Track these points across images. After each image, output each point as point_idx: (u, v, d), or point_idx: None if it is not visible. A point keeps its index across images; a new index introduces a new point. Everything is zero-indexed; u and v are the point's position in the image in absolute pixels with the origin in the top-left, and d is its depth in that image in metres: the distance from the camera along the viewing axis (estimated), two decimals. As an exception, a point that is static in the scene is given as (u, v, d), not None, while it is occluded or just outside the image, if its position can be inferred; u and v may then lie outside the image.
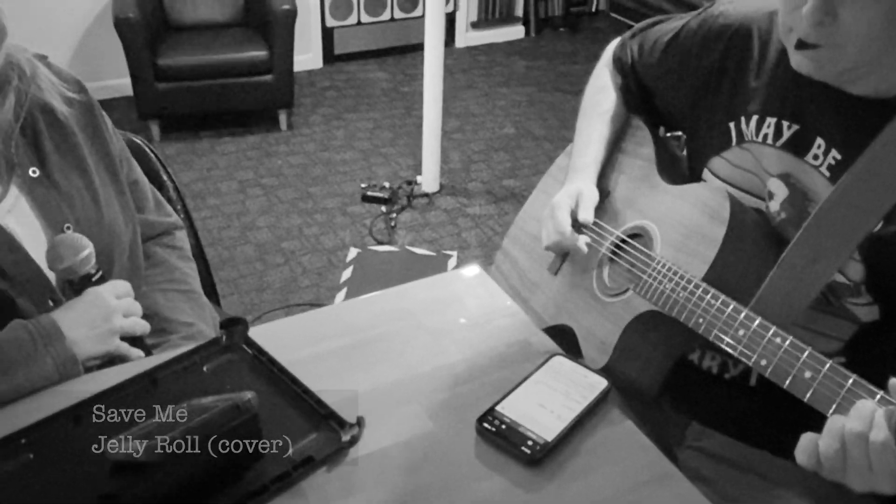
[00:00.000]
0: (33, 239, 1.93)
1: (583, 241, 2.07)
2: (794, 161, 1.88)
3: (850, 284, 1.83)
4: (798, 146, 1.88)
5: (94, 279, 1.93)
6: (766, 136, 1.93)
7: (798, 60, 1.71)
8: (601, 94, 2.34)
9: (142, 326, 1.98)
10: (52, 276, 1.94)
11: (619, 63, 2.33)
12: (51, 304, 1.92)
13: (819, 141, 1.84)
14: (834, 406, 1.50)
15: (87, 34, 7.34)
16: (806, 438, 1.47)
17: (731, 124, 2.01)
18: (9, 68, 1.90)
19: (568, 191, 2.15)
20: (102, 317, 1.88)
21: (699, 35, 2.10)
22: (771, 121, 1.92)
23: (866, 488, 1.44)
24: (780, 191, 1.91)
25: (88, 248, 1.91)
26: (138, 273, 2.16)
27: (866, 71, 1.70)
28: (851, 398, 1.48)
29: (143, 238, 2.28)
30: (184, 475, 1.51)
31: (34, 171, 1.96)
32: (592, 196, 2.11)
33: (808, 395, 1.58)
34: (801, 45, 1.66)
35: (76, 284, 1.91)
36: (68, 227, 1.96)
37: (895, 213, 1.71)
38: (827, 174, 1.82)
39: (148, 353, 1.99)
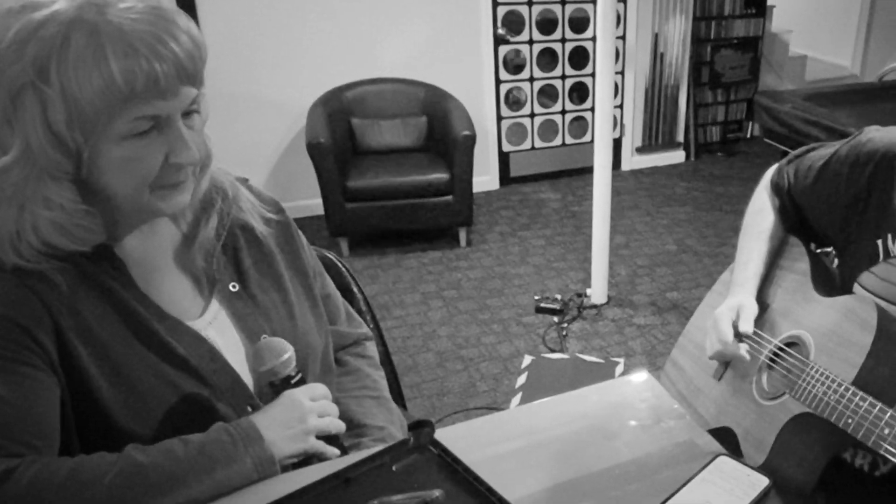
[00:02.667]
0: (232, 349, 1.96)
1: (744, 349, 2.07)
2: None
3: None
4: None
5: (293, 381, 1.94)
6: None
7: None
8: (760, 214, 2.34)
9: (336, 426, 1.98)
10: (250, 383, 1.97)
11: (776, 187, 2.34)
12: (249, 409, 1.93)
13: None
14: None
15: (282, 158, 7.55)
16: None
17: (879, 241, 2.00)
18: (213, 191, 1.98)
19: (730, 304, 2.16)
20: (298, 418, 1.88)
21: (849, 160, 2.10)
22: None
23: None
24: None
25: (290, 352, 1.93)
26: (330, 380, 2.17)
27: None
28: None
29: (336, 348, 2.30)
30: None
31: (234, 286, 2.01)
32: (752, 308, 2.11)
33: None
34: None
35: (277, 386, 1.93)
36: (265, 337, 1.98)
37: None
38: None
39: (344, 452, 1.99)
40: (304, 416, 1.89)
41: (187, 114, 1.72)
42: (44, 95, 1.52)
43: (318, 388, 1.99)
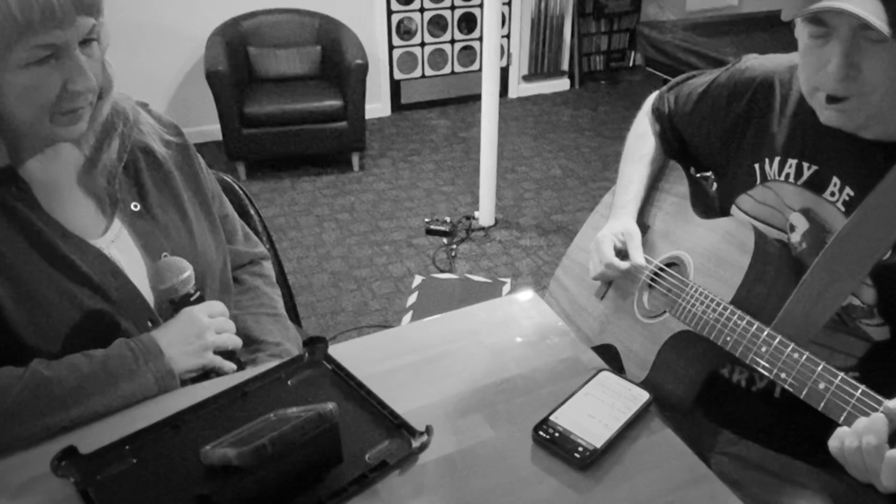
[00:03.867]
0: (134, 267, 1.95)
1: (625, 268, 2.07)
2: (813, 198, 1.89)
3: (863, 307, 1.83)
4: (816, 185, 1.88)
5: (192, 299, 1.95)
6: (787, 175, 1.93)
7: (828, 116, 1.72)
8: (641, 140, 2.34)
9: (234, 341, 1.99)
10: (150, 299, 1.96)
11: (657, 113, 2.34)
12: (149, 324, 1.94)
13: (835, 180, 1.85)
14: (844, 415, 1.50)
15: (182, 85, 7.43)
16: (840, 431, 1.48)
17: (756, 165, 2.01)
18: (115, 115, 1.96)
19: (611, 226, 2.16)
20: (196, 334, 1.90)
21: (728, 87, 2.11)
22: (792, 162, 1.93)
23: (864, 480, 1.46)
24: (800, 224, 1.91)
25: (189, 271, 1.94)
26: (228, 298, 2.17)
27: (887, 115, 1.70)
28: (860, 407, 1.48)
29: (234, 266, 2.31)
30: (271, 478, 1.52)
31: (135, 206, 2.00)
32: (637, 234, 2.11)
33: (821, 405, 1.58)
34: (832, 100, 1.67)
35: (177, 304, 1.94)
36: (165, 256, 1.98)
37: None
38: (842, 209, 1.82)
39: (240, 367, 2.01)
40: (202, 332, 1.90)
41: (85, 42, 1.69)
42: None
43: (215, 306, 1.99)
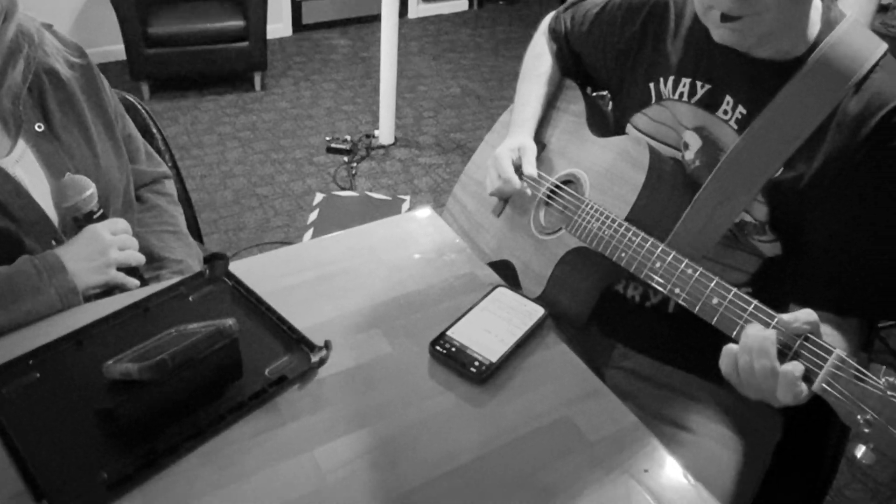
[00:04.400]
0: (38, 186, 1.94)
1: (522, 185, 2.07)
2: (706, 116, 1.88)
3: (755, 223, 1.84)
4: (710, 103, 1.88)
5: (95, 216, 1.94)
6: (681, 94, 1.93)
7: (721, 34, 1.71)
8: (538, 59, 2.32)
9: (136, 258, 1.98)
10: (54, 218, 1.95)
11: (554, 33, 2.32)
12: (53, 243, 1.92)
13: (728, 98, 1.85)
14: (737, 329, 1.51)
15: (86, 6, 7.25)
16: (729, 348, 1.49)
17: (651, 84, 2.00)
18: (20, 37, 1.91)
19: (509, 143, 2.14)
20: (98, 251, 1.89)
21: (623, 7, 2.10)
22: (686, 81, 1.92)
23: (759, 399, 1.47)
24: (694, 142, 1.91)
25: (91, 189, 1.93)
26: (131, 216, 2.16)
27: (779, 35, 1.71)
28: (753, 322, 1.49)
29: (137, 185, 2.30)
30: (172, 392, 1.51)
31: (39, 126, 1.97)
32: (533, 149, 2.10)
33: (715, 319, 1.59)
34: (726, 18, 1.66)
35: (80, 221, 1.93)
36: (68, 175, 1.96)
37: (793, 160, 1.74)
38: (735, 127, 1.83)
39: (144, 282, 2.01)
40: (104, 249, 1.90)
41: None
42: None
43: (118, 223, 1.97)
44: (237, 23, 6.73)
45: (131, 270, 1.99)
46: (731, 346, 1.50)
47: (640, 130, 2.04)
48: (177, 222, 2.36)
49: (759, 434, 1.96)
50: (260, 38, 6.83)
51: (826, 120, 1.71)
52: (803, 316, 1.42)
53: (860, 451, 1.28)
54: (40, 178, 1.96)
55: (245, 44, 6.82)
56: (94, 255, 1.88)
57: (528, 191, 2.09)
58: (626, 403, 1.65)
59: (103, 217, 1.97)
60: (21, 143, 1.96)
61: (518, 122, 2.21)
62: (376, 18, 6.61)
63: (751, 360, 1.44)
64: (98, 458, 1.44)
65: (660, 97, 1.99)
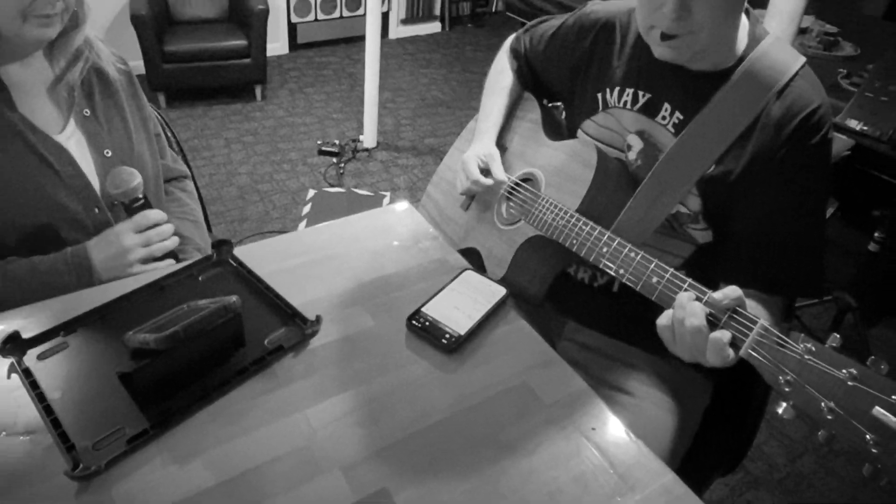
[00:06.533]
0: (85, 160, 2.01)
1: (488, 184, 2.06)
2: (647, 121, 1.89)
3: (689, 213, 1.84)
4: (650, 110, 1.89)
5: (138, 204, 1.98)
6: (625, 102, 1.93)
7: (661, 51, 1.73)
8: (501, 74, 2.32)
9: (164, 248, 2.02)
10: (97, 187, 2.01)
11: (514, 52, 2.32)
12: (96, 210, 2.00)
13: (666, 105, 1.85)
14: (674, 304, 1.51)
15: (111, 26, 7.19)
16: (666, 314, 1.50)
17: (599, 94, 2.00)
18: (83, 43, 2.04)
19: (475, 149, 2.14)
20: (119, 254, 1.93)
21: (574, 28, 2.10)
22: (629, 91, 1.93)
23: (691, 359, 1.48)
24: (636, 143, 1.92)
25: (138, 179, 1.98)
26: (160, 201, 2.23)
27: (711, 51, 1.73)
28: None
29: (164, 179, 2.36)
30: (183, 359, 1.51)
31: (86, 112, 2.05)
32: (497, 155, 2.10)
33: (654, 295, 1.60)
34: (665, 37, 1.67)
35: (126, 206, 1.98)
36: (108, 153, 2.05)
37: (723, 158, 1.76)
38: (672, 131, 1.84)
39: (177, 260, 2.06)
40: (123, 253, 1.94)
41: None
42: None
43: (149, 216, 2.01)
44: (241, 42, 6.73)
45: (169, 253, 2.05)
46: (667, 311, 1.51)
47: (589, 135, 2.03)
48: (195, 213, 2.41)
49: (690, 399, 1.97)
50: (260, 56, 6.84)
51: (752, 122, 1.73)
52: (731, 293, 1.42)
53: (781, 407, 1.28)
54: (86, 154, 2.02)
55: (248, 60, 6.82)
56: (115, 258, 1.92)
57: (493, 188, 2.09)
58: (577, 371, 1.65)
59: (146, 205, 2.00)
60: (72, 124, 2.02)
61: (483, 130, 2.21)
62: (361, 39, 6.59)
63: (683, 317, 1.45)
64: (119, 415, 1.44)
65: (606, 105, 1.99)
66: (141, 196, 1.99)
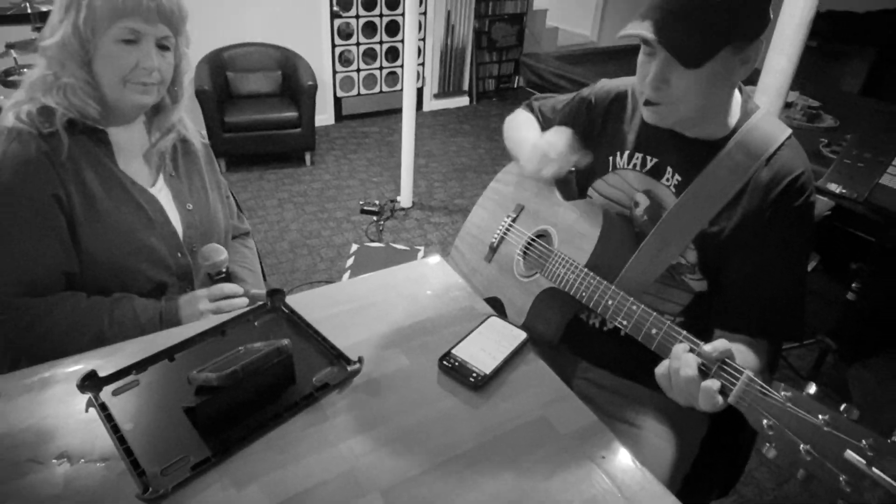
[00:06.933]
0: (171, 211, 2.13)
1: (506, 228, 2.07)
2: (653, 182, 1.91)
3: (688, 265, 1.85)
4: (655, 172, 1.91)
5: (220, 276, 2.10)
6: (634, 165, 1.95)
7: (647, 115, 1.78)
8: (519, 116, 2.36)
9: (233, 307, 2.06)
10: (181, 234, 2.13)
11: (529, 108, 2.36)
12: (178, 255, 2.10)
13: (669, 169, 1.87)
14: (671, 354, 1.53)
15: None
16: (663, 364, 1.52)
17: (611, 158, 2.02)
18: (178, 119, 2.18)
19: (545, 136, 2.11)
20: (194, 315, 2.01)
21: (588, 99, 2.13)
22: (639, 155, 1.95)
23: (686, 404, 1.49)
24: (643, 201, 1.93)
25: (224, 256, 2.09)
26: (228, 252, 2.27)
27: (696, 121, 1.77)
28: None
29: (232, 235, 2.47)
30: (241, 395, 1.53)
31: (172, 172, 2.18)
32: (567, 136, 2.08)
33: (653, 345, 1.62)
34: (647, 103, 1.73)
35: (211, 277, 2.09)
36: (189, 206, 2.16)
37: (718, 217, 1.77)
38: (674, 191, 1.85)
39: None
40: (197, 315, 2.02)
41: (162, 47, 1.92)
42: (80, 5, 1.80)
43: (225, 289, 2.09)
44: (292, 114, 6.76)
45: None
46: (665, 361, 1.53)
47: (599, 193, 2.05)
48: (255, 265, 2.48)
49: (689, 430, 1.96)
50: (310, 126, 6.87)
51: (743, 186, 1.75)
52: (720, 346, 1.44)
53: (765, 447, 1.30)
54: (172, 207, 2.12)
55: (298, 130, 6.84)
56: (191, 318, 2.00)
57: (511, 244, 2.10)
58: (588, 406, 1.64)
59: (227, 279, 2.10)
60: (161, 180, 2.14)
61: (534, 136, 2.19)
62: (399, 111, 6.62)
63: (678, 367, 1.47)
64: (184, 445, 1.46)
65: (615, 167, 2.01)
66: (224, 271, 2.08)
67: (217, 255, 2.06)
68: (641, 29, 1.61)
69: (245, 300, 2.10)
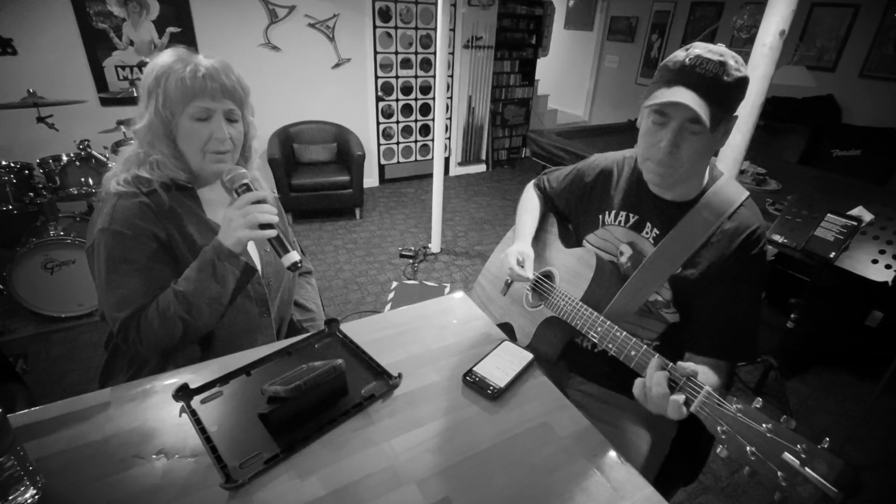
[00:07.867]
0: (253, 251, 2.09)
1: (520, 272, 2.07)
2: (635, 235, 1.90)
3: (663, 301, 1.84)
4: (637, 227, 1.90)
5: (242, 189, 1.82)
6: (620, 221, 1.94)
7: (650, 176, 1.76)
8: (530, 201, 2.34)
9: (255, 216, 1.80)
10: (259, 267, 2.04)
11: (538, 188, 2.35)
12: (257, 284, 2.01)
13: (648, 224, 1.86)
14: (646, 372, 1.52)
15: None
16: (639, 381, 1.50)
17: (600, 216, 2.01)
18: (252, 180, 1.96)
19: (516, 247, 2.12)
20: (226, 224, 1.80)
21: (582, 171, 2.12)
22: (623, 213, 1.94)
23: (657, 413, 1.48)
24: (627, 251, 1.92)
25: (242, 170, 1.87)
26: (293, 288, 2.24)
27: (680, 182, 1.76)
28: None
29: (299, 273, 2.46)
30: (304, 404, 1.53)
31: None
32: (531, 254, 2.08)
33: (633, 364, 1.61)
34: (655, 165, 1.71)
35: (237, 190, 1.83)
36: (266, 248, 2.10)
37: (688, 263, 1.77)
38: (652, 242, 1.85)
39: (280, 246, 1.84)
40: (228, 222, 1.81)
41: (230, 121, 1.89)
42: (158, 91, 1.79)
43: (247, 196, 1.84)
44: (345, 178, 6.76)
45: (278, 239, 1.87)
46: (640, 379, 1.52)
47: (591, 244, 2.03)
48: (315, 297, 2.44)
49: (662, 432, 1.94)
50: (359, 187, 6.87)
51: (709, 237, 1.75)
52: (688, 367, 1.45)
53: (719, 448, 1.30)
54: (253, 248, 2.08)
55: (350, 190, 6.83)
56: (225, 228, 1.78)
57: (523, 280, 2.09)
58: (582, 412, 1.64)
59: (248, 189, 1.84)
60: None
61: (521, 235, 2.20)
62: (430, 176, 6.67)
63: (651, 385, 1.46)
64: (258, 443, 1.47)
65: (604, 223, 2.00)
66: (244, 182, 1.85)
67: (235, 170, 1.87)
68: (676, 96, 1.58)
69: (267, 193, 1.96)
